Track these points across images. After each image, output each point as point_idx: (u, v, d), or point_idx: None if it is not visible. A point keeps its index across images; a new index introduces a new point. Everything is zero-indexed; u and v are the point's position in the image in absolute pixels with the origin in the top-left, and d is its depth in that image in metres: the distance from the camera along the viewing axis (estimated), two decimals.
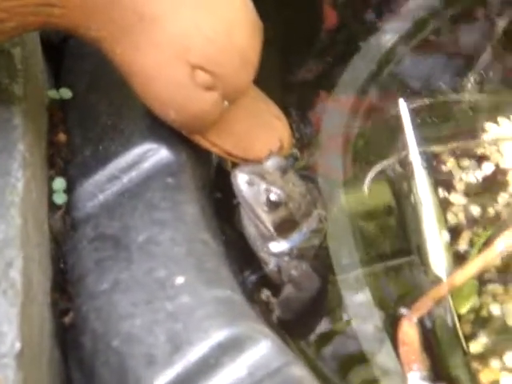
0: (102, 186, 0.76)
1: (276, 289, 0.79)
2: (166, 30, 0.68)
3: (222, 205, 0.81)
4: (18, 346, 0.60)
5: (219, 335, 0.62)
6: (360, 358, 0.71)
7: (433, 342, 0.71)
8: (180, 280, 0.66)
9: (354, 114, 0.91)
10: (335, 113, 0.91)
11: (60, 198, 0.76)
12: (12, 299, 0.62)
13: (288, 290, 0.78)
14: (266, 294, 0.78)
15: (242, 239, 0.80)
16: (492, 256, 0.73)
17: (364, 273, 0.77)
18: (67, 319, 0.72)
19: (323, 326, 0.77)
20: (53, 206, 0.76)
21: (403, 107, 0.83)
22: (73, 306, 0.72)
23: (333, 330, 0.75)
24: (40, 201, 0.73)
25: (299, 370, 0.61)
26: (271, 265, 0.78)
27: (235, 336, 0.62)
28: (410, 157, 0.82)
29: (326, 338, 0.75)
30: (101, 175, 0.76)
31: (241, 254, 0.79)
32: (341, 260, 0.76)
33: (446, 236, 0.78)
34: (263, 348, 0.61)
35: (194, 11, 0.68)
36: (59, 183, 0.76)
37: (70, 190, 0.77)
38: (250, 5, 0.72)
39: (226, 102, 0.74)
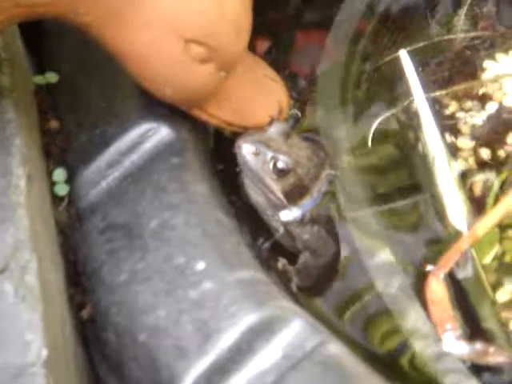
0: (104, 172, 0.73)
1: (291, 257, 0.77)
2: (156, 7, 0.65)
3: (226, 175, 0.79)
4: (44, 353, 0.59)
5: (249, 319, 0.60)
6: (388, 321, 0.69)
7: (460, 296, 0.70)
8: (201, 265, 0.64)
9: (349, 61, 0.88)
10: (329, 62, 0.88)
11: (62, 190, 0.73)
12: (32, 305, 0.60)
13: (304, 257, 0.76)
14: (282, 262, 0.77)
15: (251, 208, 0.78)
16: None
17: (378, 225, 0.76)
18: (85, 313, 0.70)
19: (345, 289, 0.75)
20: (55, 199, 0.74)
21: (404, 56, 0.80)
22: (89, 299, 0.70)
23: (356, 293, 0.73)
24: (43, 195, 0.71)
25: (336, 347, 0.59)
26: (284, 233, 0.77)
27: (265, 318, 0.60)
28: (415, 105, 0.80)
29: (349, 301, 0.73)
30: (101, 161, 0.74)
31: (251, 224, 0.77)
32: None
33: (460, 184, 0.76)
34: (296, 328, 0.60)
35: None
36: (59, 174, 0.74)
37: (70, 180, 0.74)
38: None
39: (222, 73, 0.71)
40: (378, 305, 0.71)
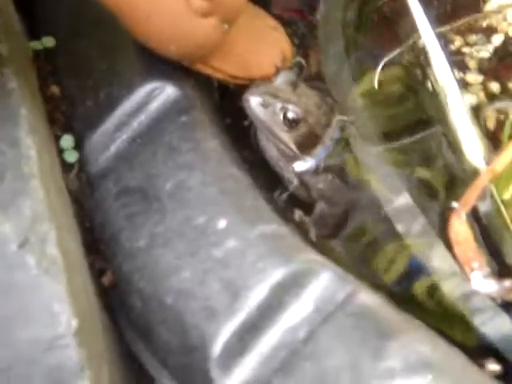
0: (112, 135, 0.72)
1: (307, 207, 0.76)
2: None
3: (234, 129, 0.77)
4: (74, 323, 0.58)
5: (277, 274, 0.60)
6: (421, 267, 0.68)
7: (483, 233, 0.69)
8: (222, 224, 0.63)
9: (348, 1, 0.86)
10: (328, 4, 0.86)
11: (71, 156, 0.72)
12: (56, 276, 0.59)
13: (320, 207, 0.75)
14: (298, 213, 0.76)
15: (263, 161, 0.77)
16: None
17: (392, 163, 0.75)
18: (106, 280, 0.70)
19: (365, 235, 0.74)
20: (65, 166, 0.72)
21: None
22: (109, 265, 0.69)
23: (377, 239, 0.73)
24: (54, 164, 0.69)
25: (367, 296, 0.58)
26: (298, 184, 0.76)
27: (293, 272, 0.60)
28: (421, 42, 0.78)
29: (371, 248, 0.72)
30: (108, 124, 0.72)
31: (265, 177, 0.76)
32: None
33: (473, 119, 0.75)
34: (325, 280, 0.59)
35: None
36: (67, 141, 0.72)
37: (78, 146, 0.73)
38: None
39: (225, 25, 0.70)
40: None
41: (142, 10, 0.65)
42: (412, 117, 0.79)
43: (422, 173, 0.75)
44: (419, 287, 0.69)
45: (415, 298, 0.70)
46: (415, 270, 0.70)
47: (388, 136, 0.77)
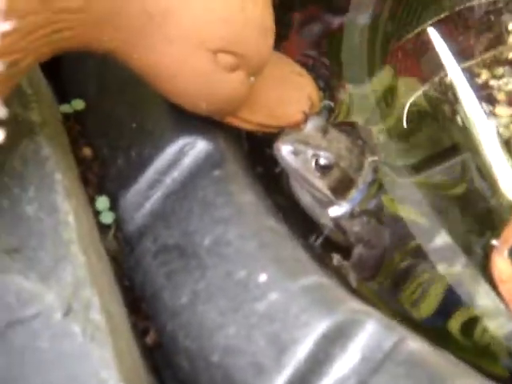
0: (146, 193, 0.72)
1: (344, 251, 0.76)
2: (179, 22, 0.64)
3: (266, 177, 0.77)
4: None
5: (322, 326, 0.59)
6: (456, 302, 0.68)
7: None
8: (263, 277, 0.63)
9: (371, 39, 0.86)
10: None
11: (108, 218, 0.72)
12: (102, 342, 0.59)
13: (359, 250, 0.75)
14: (336, 258, 0.75)
15: (298, 208, 0.77)
16: None
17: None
18: (149, 339, 0.69)
19: (405, 276, 0.74)
20: (102, 227, 0.72)
21: (432, 32, 0.78)
22: (152, 324, 0.69)
23: (418, 279, 0.72)
24: (91, 227, 0.70)
25: (415, 343, 0.58)
26: (335, 229, 0.75)
27: (338, 323, 0.59)
28: (447, 78, 0.78)
29: (413, 287, 0.72)
30: (141, 183, 0.72)
31: (300, 224, 0.76)
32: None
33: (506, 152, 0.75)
34: (370, 329, 0.59)
35: None
36: (103, 202, 0.73)
37: (113, 206, 0.73)
38: None
39: (252, 77, 0.70)
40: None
41: (169, 70, 0.66)
42: (440, 147, 0.79)
43: (457, 212, 0.75)
44: (455, 323, 0.68)
45: (448, 334, 0.69)
46: (449, 305, 0.70)
47: (417, 168, 0.77)
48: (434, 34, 0.78)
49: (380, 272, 0.75)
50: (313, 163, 0.73)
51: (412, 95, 0.82)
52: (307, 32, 0.91)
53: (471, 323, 0.68)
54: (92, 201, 0.74)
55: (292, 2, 0.92)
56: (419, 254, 0.72)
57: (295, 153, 0.73)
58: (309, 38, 0.91)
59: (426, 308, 0.71)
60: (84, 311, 0.60)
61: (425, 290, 0.72)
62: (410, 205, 0.74)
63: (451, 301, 0.69)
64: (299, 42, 0.91)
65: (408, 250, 0.73)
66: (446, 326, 0.68)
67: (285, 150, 0.73)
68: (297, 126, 0.75)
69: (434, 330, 0.69)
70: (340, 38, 0.86)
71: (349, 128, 0.79)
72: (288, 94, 0.76)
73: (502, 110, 0.79)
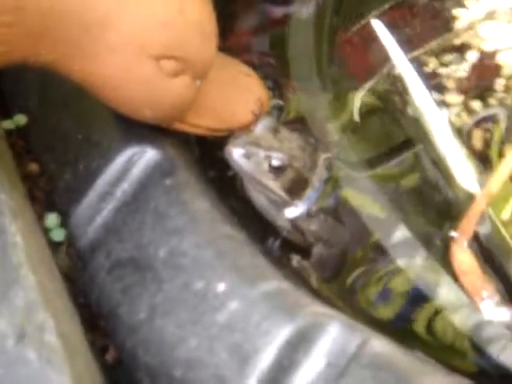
0: (96, 206, 0.70)
1: (304, 252, 0.75)
2: (117, 31, 0.62)
3: (219, 182, 0.76)
4: None
5: (284, 333, 0.58)
6: (419, 297, 0.67)
7: (487, 258, 0.68)
8: (221, 287, 0.61)
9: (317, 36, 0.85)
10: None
11: (58, 235, 0.70)
12: (59, 365, 0.57)
13: (318, 250, 0.74)
14: (296, 259, 0.74)
15: (252, 210, 0.76)
16: None
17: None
18: (109, 357, 0.68)
19: (366, 273, 0.73)
20: (53, 244, 0.70)
21: (377, 24, 0.77)
22: (111, 341, 0.67)
23: (379, 275, 0.71)
24: (41, 246, 0.68)
25: (380, 344, 0.57)
26: (293, 230, 0.74)
27: (300, 328, 0.58)
28: (395, 70, 0.77)
29: (374, 284, 0.71)
30: (91, 196, 0.71)
31: (257, 227, 0.74)
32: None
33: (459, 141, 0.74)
34: (333, 332, 0.57)
35: (138, 2, 0.62)
36: (52, 219, 0.71)
37: (63, 222, 0.71)
38: None
39: (197, 81, 0.68)
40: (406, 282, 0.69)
41: (112, 80, 0.64)
42: (393, 140, 0.78)
43: (414, 205, 0.74)
44: (419, 321, 0.67)
45: (414, 333, 0.68)
46: (412, 304, 0.69)
47: (371, 162, 0.76)
48: (378, 26, 0.77)
49: (342, 271, 0.74)
50: (266, 165, 0.71)
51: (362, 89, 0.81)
52: (250, 25, 0.90)
53: (435, 320, 0.67)
54: (41, 218, 0.71)
55: None
56: (379, 249, 0.71)
57: (247, 155, 0.71)
58: (252, 31, 0.90)
59: (390, 308, 0.70)
60: (38, 335, 0.58)
61: (386, 288, 0.71)
62: (367, 199, 0.73)
63: (414, 298, 0.68)
64: (243, 36, 0.90)
65: (368, 246, 0.72)
66: (411, 325, 0.67)
67: (236, 154, 0.71)
68: (247, 128, 0.73)
69: (398, 330, 0.68)
70: (284, 31, 0.85)
71: (300, 126, 0.78)
72: (236, 95, 0.74)
73: (452, 97, 0.79)
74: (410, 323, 0.69)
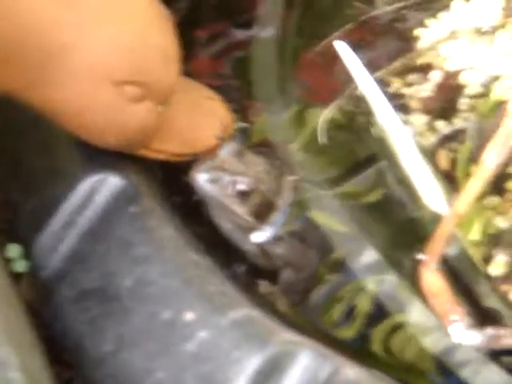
0: (59, 235, 0.69)
1: (272, 276, 0.74)
2: (79, 57, 0.61)
3: (183, 207, 0.75)
4: None
5: (254, 362, 0.57)
6: (389, 321, 0.67)
7: (455, 279, 0.68)
8: (190, 316, 0.60)
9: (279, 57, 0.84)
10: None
11: (21, 266, 0.69)
12: None
13: (286, 274, 0.73)
14: (263, 285, 0.73)
15: (218, 234, 0.75)
16: (487, 173, 0.69)
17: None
18: None
19: (334, 296, 0.72)
20: (16, 275, 0.69)
21: (339, 45, 0.77)
22: (76, 375, 0.66)
23: (345, 297, 0.70)
24: (3, 278, 0.66)
25: (352, 371, 0.56)
26: (260, 254, 0.73)
27: (271, 357, 0.57)
28: (359, 90, 0.77)
29: (337, 303, 0.70)
30: (54, 225, 0.69)
31: (221, 251, 0.73)
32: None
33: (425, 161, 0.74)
34: (304, 360, 0.57)
35: (101, 27, 0.61)
36: (14, 249, 0.69)
37: (26, 252, 0.70)
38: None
39: (159, 107, 0.68)
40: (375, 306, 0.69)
41: (74, 106, 0.63)
42: (358, 157, 0.78)
43: (380, 219, 0.73)
44: (376, 341, 0.67)
45: (371, 351, 0.68)
46: (370, 323, 0.69)
47: (336, 180, 0.76)
48: (340, 47, 0.77)
49: (310, 293, 0.73)
50: (231, 189, 0.70)
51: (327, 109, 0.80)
52: (212, 49, 0.89)
53: (392, 338, 0.67)
54: (2, 249, 0.70)
55: (195, 19, 0.90)
56: (342, 269, 0.70)
57: (212, 181, 0.70)
58: (215, 55, 0.89)
59: (352, 328, 0.69)
60: (1, 371, 0.56)
61: (349, 308, 0.70)
62: (334, 218, 0.72)
63: (374, 317, 0.68)
64: (206, 60, 0.89)
65: (331, 265, 0.71)
66: (369, 345, 0.67)
67: (201, 179, 0.70)
68: (211, 152, 0.73)
69: (359, 351, 0.67)
70: (245, 54, 0.85)
71: (265, 149, 0.77)
72: (199, 119, 0.74)
73: (416, 118, 0.78)
74: (368, 343, 0.68)
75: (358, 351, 0.68)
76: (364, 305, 0.69)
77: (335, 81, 0.83)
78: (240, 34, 0.90)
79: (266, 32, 0.86)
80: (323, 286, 0.73)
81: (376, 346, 0.68)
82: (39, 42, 0.59)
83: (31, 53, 0.59)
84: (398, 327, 0.67)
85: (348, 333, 0.69)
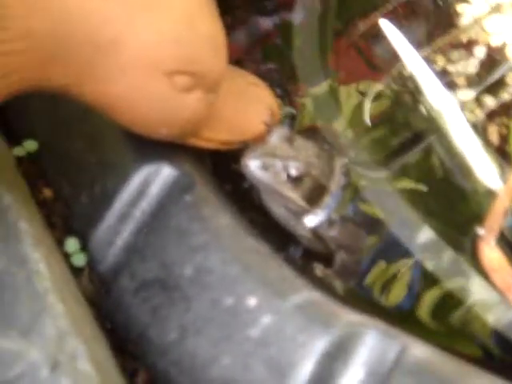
0: (115, 228, 0.69)
1: (327, 260, 0.74)
2: (129, 49, 0.61)
3: (236, 195, 0.75)
4: None
5: (321, 345, 0.57)
6: (450, 298, 0.66)
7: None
8: (252, 301, 0.60)
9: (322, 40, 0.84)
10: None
11: (79, 260, 0.69)
12: None
13: (340, 257, 0.73)
14: (319, 268, 0.73)
15: (271, 220, 0.75)
16: None
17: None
18: (140, 380, 0.67)
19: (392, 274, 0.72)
20: (75, 270, 0.69)
21: (384, 24, 0.77)
22: (141, 364, 0.66)
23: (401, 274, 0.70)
24: (64, 272, 0.67)
25: (419, 350, 0.56)
26: (314, 238, 0.73)
27: (337, 339, 0.57)
28: (407, 69, 0.76)
29: (399, 285, 0.70)
30: (109, 218, 0.69)
31: (275, 236, 0.73)
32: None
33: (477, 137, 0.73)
34: (371, 341, 0.57)
35: (149, 18, 0.61)
36: (71, 244, 0.70)
37: (84, 247, 0.70)
38: None
39: (210, 95, 0.67)
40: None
41: (125, 99, 0.63)
42: (406, 137, 0.78)
43: (435, 204, 0.73)
44: (423, 307, 0.67)
45: (416, 318, 0.67)
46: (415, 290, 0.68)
47: (385, 160, 0.76)
48: (385, 26, 0.77)
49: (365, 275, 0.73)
50: (283, 175, 0.70)
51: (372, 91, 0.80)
52: (238, 37, 0.89)
53: (440, 305, 0.67)
54: (60, 244, 0.70)
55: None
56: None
57: (264, 167, 0.70)
58: (240, 42, 0.89)
59: (395, 294, 0.69)
60: (71, 363, 0.57)
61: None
62: (387, 203, 0.72)
63: (418, 285, 0.68)
64: (237, 47, 0.89)
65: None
66: (414, 311, 0.66)
67: (253, 166, 0.70)
68: (261, 139, 0.72)
69: (400, 316, 0.67)
70: (276, 41, 0.84)
71: (313, 133, 0.77)
72: (247, 106, 0.73)
73: (464, 94, 0.78)
74: (413, 309, 0.68)
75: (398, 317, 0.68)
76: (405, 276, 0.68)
77: (377, 61, 0.83)
78: (264, 22, 0.89)
79: (296, 17, 0.86)
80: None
81: (422, 312, 0.67)
82: (89, 37, 0.59)
83: (81, 48, 0.59)
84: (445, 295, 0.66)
85: (390, 299, 0.69)
